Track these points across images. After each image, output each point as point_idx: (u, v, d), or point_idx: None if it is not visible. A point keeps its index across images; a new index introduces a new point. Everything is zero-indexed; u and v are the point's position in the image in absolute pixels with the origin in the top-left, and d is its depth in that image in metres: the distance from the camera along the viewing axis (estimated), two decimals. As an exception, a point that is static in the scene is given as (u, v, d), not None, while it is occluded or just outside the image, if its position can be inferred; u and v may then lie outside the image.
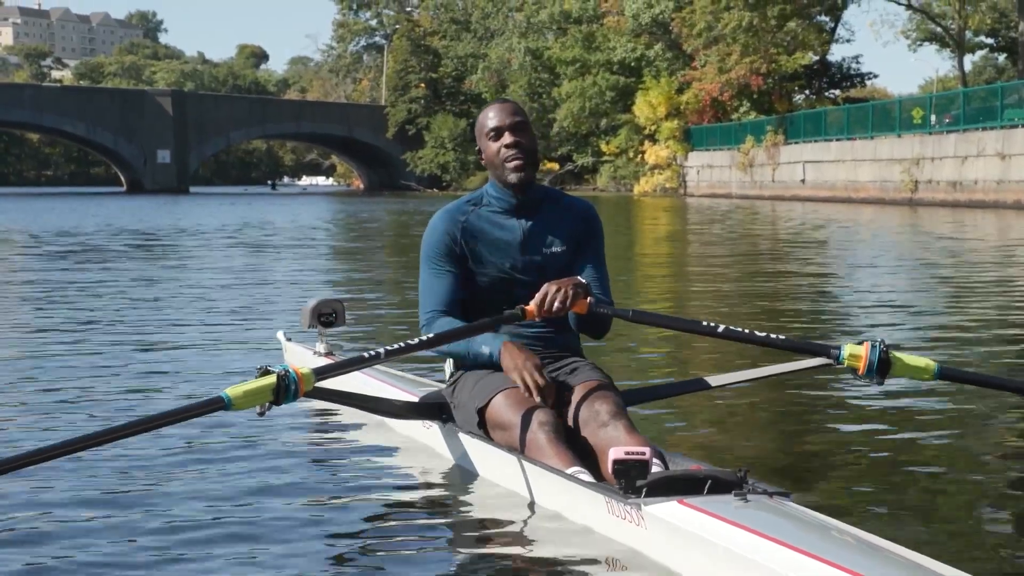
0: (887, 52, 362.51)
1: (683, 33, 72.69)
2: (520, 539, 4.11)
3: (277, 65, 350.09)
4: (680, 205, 52.90)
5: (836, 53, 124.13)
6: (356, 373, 5.55)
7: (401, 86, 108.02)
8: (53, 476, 4.82)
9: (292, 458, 5.25)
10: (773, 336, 4.50)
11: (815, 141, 57.13)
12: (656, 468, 4.00)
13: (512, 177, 4.77)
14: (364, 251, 22.71)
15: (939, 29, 68.92)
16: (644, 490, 3.74)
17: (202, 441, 5.50)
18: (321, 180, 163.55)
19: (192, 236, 26.42)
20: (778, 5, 64.21)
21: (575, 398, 4.58)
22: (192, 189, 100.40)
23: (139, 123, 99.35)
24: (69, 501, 4.55)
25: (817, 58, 72.56)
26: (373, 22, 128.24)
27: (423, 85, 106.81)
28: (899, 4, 67.44)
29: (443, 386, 5.17)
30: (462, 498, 4.60)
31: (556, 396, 4.63)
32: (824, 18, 72.71)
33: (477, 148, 4.92)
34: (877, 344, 4.35)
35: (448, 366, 4.99)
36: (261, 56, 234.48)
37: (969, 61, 74.84)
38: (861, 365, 4.34)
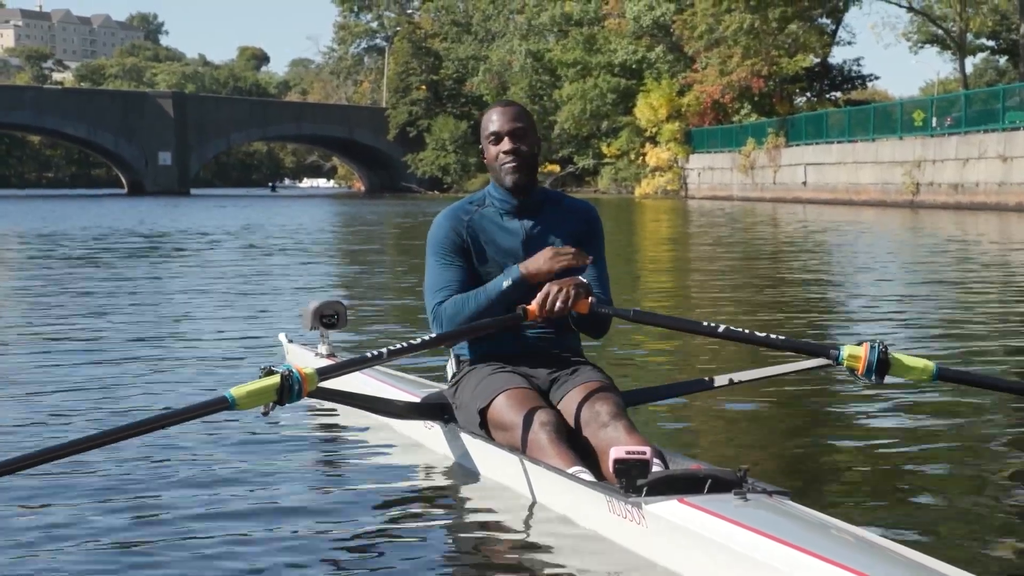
0: (888, 54, 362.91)
1: (684, 35, 72.66)
2: (522, 538, 4.14)
3: (278, 67, 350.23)
4: (681, 207, 52.90)
5: (837, 55, 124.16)
6: (358, 374, 5.60)
7: (402, 88, 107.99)
8: (57, 477, 4.85)
9: (294, 458, 5.28)
10: (773, 336, 4.53)
11: (816, 143, 57.07)
12: (656, 468, 4.03)
13: (507, 181, 4.82)
14: (365, 253, 22.72)
15: (940, 31, 68.87)
16: (645, 489, 3.76)
17: (205, 441, 5.53)
18: (322, 182, 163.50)
19: (194, 238, 26.43)
20: (779, 7, 64.15)
21: (576, 399, 4.61)
22: (193, 191, 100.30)
23: (140, 125, 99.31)
24: (73, 501, 4.58)
25: (818, 60, 72.55)
26: (374, 24, 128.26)
27: (424, 87, 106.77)
28: (900, 6, 67.44)
29: (445, 387, 5.20)
30: (464, 498, 4.63)
31: (557, 395, 4.67)
32: (825, 20, 72.67)
33: (481, 147, 4.96)
34: (876, 345, 4.38)
35: (450, 367, 5.01)
36: (262, 58, 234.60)
37: (970, 63, 74.96)
38: (860, 366, 4.37)
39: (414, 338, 4.64)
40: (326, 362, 6.00)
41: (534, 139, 4.89)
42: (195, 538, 4.12)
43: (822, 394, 6.85)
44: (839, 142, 54.51)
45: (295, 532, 4.21)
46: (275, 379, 4.19)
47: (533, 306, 4.57)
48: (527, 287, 4.64)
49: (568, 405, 4.62)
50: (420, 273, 4.93)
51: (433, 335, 4.65)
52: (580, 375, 4.75)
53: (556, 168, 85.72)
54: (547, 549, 3.99)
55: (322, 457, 5.34)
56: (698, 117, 72.63)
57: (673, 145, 73.27)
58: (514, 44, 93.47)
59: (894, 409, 6.33)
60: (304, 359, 6.59)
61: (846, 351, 4.41)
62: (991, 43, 74.38)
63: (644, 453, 3.80)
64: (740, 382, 5.13)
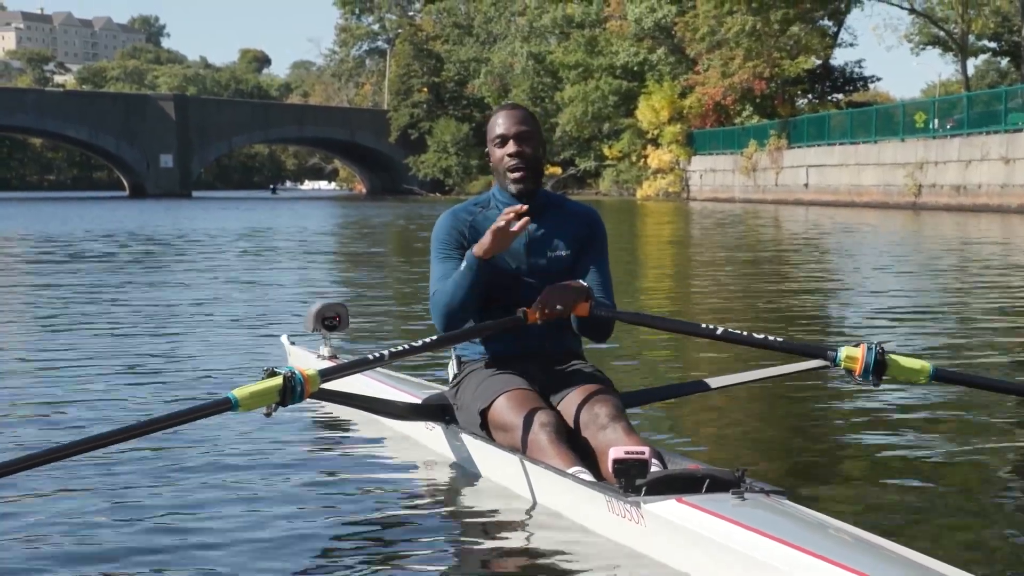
0: (890, 56, 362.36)
1: (686, 37, 72.61)
2: (522, 537, 4.17)
3: (279, 69, 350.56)
4: (683, 209, 52.88)
5: (839, 57, 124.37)
6: (360, 376, 5.62)
7: (404, 90, 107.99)
8: (60, 477, 4.88)
9: (296, 459, 5.32)
10: (771, 338, 4.57)
11: (818, 145, 57.03)
12: (655, 468, 4.06)
13: (512, 187, 4.85)
14: (367, 255, 22.74)
15: (942, 33, 68.80)
16: (644, 489, 3.80)
17: (207, 442, 5.56)
18: (323, 184, 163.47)
19: (196, 240, 26.45)
20: (781, 9, 64.07)
21: (575, 400, 4.64)
22: (195, 194, 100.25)
23: (142, 127, 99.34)
24: (76, 501, 4.62)
25: (820, 62, 72.50)
26: (376, 26, 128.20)
27: (425, 89, 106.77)
28: (902, 8, 67.36)
29: (446, 388, 5.24)
30: (465, 498, 4.67)
31: (557, 395, 4.71)
32: (827, 22, 72.58)
33: (486, 150, 5.00)
34: (873, 346, 4.42)
35: (451, 367, 5.05)
36: (263, 60, 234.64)
37: (972, 65, 74.89)
38: (857, 367, 4.41)
39: (415, 340, 4.68)
40: (328, 364, 6.02)
41: (539, 143, 4.92)
42: (196, 538, 4.15)
43: (819, 395, 6.88)
44: (841, 144, 54.47)
45: (297, 532, 4.23)
46: (277, 380, 4.23)
47: (534, 309, 4.61)
48: (486, 265, 4.67)
49: (568, 406, 4.65)
50: (421, 275, 4.97)
51: (435, 337, 4.69)
52: (580, 377, 4.79)
53: (558, 170, 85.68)
54: (547, 548, 4.02)
55: (323, 458, 5.37)
56: (700, 119, 72.57)
57: (675, 147, 73.23)
58: (516, 46, 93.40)
59: (891, 410, 6.37)
60: (306, 361, 6.61)
61: (843, 353, 4.45)
62: (993, 45, 74.35)
63: (643, 453, 3.83)
64: (738, 384, 5.16)
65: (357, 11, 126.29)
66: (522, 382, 4.71)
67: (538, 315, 4.61)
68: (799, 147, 59.21)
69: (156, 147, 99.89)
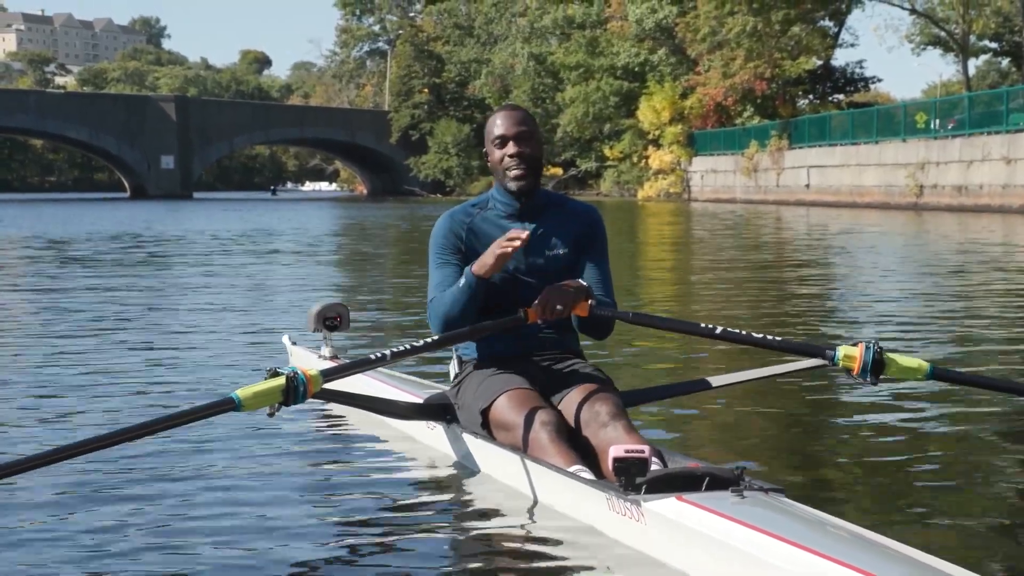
0: (891, 57, 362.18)
1: (687, 38, 72.55)
2: (523, 535, 4.20)
3: (280, 70, 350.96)
4: (684, 210, 52.87)
5: (840, 58, 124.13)
6: (362, 376, 5.65)
7: (404, 91, 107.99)
8: (64, 477, 4.91)
9: (299, 458, 5.35)
10: (770, 338, 4.60)
11: (819, 146, 56.97)
12: (655, 466, 4.09)
13: (512, 185, 4.87)
14: (368, 256, 22.77)
15: (943, 33, 68.78)
16: (644, 487, 3.82)
17: (209, 442, 5.59)
18: (324, 185, 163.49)
19: (198, 241, 26.47)
20: (782, 10, 64.03)
21: (576, 399, 4.67)
22: (195, 195, 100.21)
23: (143, 129, 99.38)
24: (80, 501, 4.65)
25: (821, 63, 72.46)
26: (376, 27, 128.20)
27: (426, 90, 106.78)
28: (903, 8, 67.34)
29: (447, 388, 5.26)
30: (466, 496, 4.69)
31: (557, 394, 4.73)
32: (828, 23, 72.55)
33: (484, 151, 5.02)
34: (871, 345, 4.44)
35: (452, 367, 5.08)
36: (264, 61, 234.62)
37: (972, 65, 74.84)
38: (855, 366, 4.43)
39: (416, 340, 4.71)
40: (329, 364, 6.04)
41: (538, 143, 4.94)
42: (199, 536, 4.18)
43: (818, 394, 6.92)
44: (842, 144, 54.42)
45: (299, 531, 4.26)
46: (280, 380, 4.26)
47: (534, 309, 4.64)
48: (484, 283, 4.70)
49: (568, 405, 4.68)
50: (422, 275, 5.00)
51: (436, 337, 4.72)
52: (580, 376, 4.81)
53: (559, 171, 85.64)
54: (548, 546, 4.05)
55: (326, 457, 5.40)
56: (701, 120, 72.51)
57: (676, 148, 73.16)
58: (516, 47, 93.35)
59: (889, 409, 6.40)
60: (307, 361, 6.64)
61: (841, 352, 4.47)
62: (994, 45, 74.34)
63: (643, 452, 3.86)
64: (737, 383, 5.19)
65: (358, 12, 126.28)
66: (523, 381, 4.73)
67: (539, 315, 4.63)
68: (800, 148, 59.16)
69: (157, 148, 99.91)
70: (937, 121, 46.74)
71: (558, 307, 4.60)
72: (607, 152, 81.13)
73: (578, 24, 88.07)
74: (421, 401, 5.33)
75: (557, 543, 4.06)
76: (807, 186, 57.25)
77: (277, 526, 4.31)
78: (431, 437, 5.31)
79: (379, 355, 4.60)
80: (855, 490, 4.78)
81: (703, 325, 4.72)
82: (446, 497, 4.72)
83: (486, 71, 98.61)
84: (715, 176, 70.05)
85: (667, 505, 3.75)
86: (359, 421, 6.04)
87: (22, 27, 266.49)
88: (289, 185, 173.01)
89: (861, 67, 77.06)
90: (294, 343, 7.28)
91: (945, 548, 3.79)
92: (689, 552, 3.65)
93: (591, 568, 3.83)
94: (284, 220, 41.91)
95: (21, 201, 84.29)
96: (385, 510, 4.56)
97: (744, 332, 4.62)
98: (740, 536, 3.49)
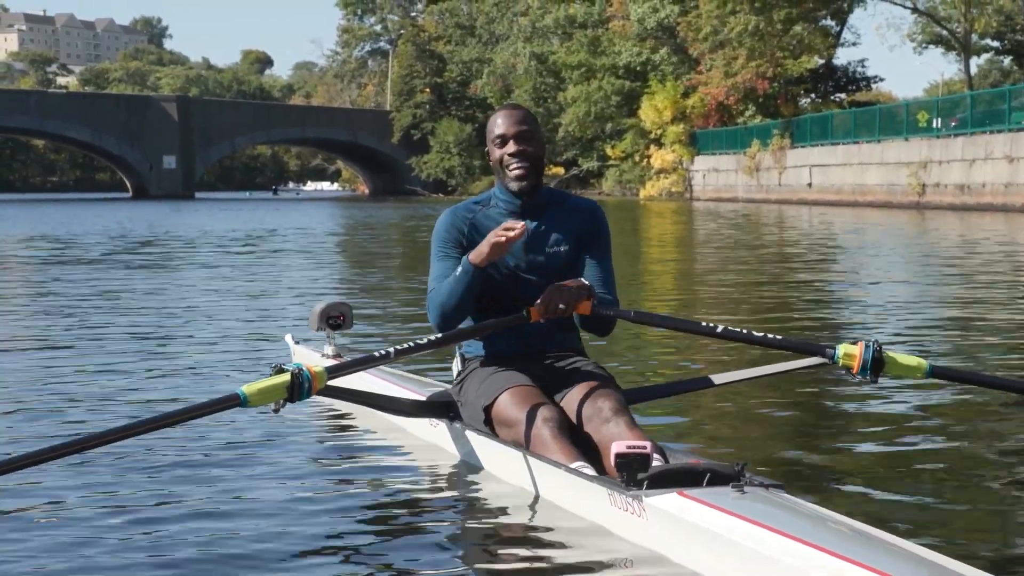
0: (892, 55, 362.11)
1: (689, 37, 72.53)
2: (526, 531, 4.23)
3: (282, 70, 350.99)
4: (686, 209, 52.86)
5: (842, 57, 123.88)
6: (365, 374, 5.69)
7: (406, 91, 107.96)
8: (71, 472, 4.95)
9: (302, 455, 5.38)
10: (770, 336, 4.63)
11: (822, 145, 56.90)
12: (657, 462, 4.11)
13: (513, 185, 4.90)
14: (370, 255, 22.79)
15: (945, 32, 68.73)
16: (645, 483, 3.86)
17: (213, 438, 5.64)
18: (326, 185, 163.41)
19: (200, 241, 26.49)
20: (784, 9, 64.00)
21: (578, 396, 4.70)
22: (197, 195, 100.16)
23: (144, 129, 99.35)
24: (85, 496, 4.68)
25: (823, 62, 72.43)
26: (378, 27, 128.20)
27: (428, 90, 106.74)
28: (905, 7, 67.29)
29: (450, 386, 5.30)
30: (469, 493, 4.73)
31: (559, 391, 4.77)
32: (830, 22, 72.52)
33: (486, 150, 5.04)
34: (871, 344, 4.48)
35: (455, 365, 5.11)
36: (266, 61, 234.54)
37: (974, 64, 74.76)
38: (855, 364, 4.47)
39: (420, 338, 4.74)
40: (333, 362, 6.08)
41: (540, 141, 4.95)
42: (201, 533, 4.21)
43: (818, 392, 6.96)
44: (844, 143, 54.35)
45: (302, 526, 4.30)
46: (285, 377, 4.30)
47: (536, 307, 4.67)
48: (480, 272, 4.72)
49: (570, 402, 4.71)
50: (424, 274, 5.03)
51: (439, 335, 4.76)
52: (582, 373, 4.85)
53: (560, 170, 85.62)
54: (550, 541, 4.08)
55: (329, 454, 5.44)
56: (703, 119, 72.46)
57: (678, 147, 73.13)
58: (518, 47, 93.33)
59: (888, 406, 6.43)
60: (310, 360, 6.66)
61: (841, 350, 4.51)
62: (995, 44, 74.26)
63: (645, 448, 3.90)
64: (738, 380, 5.21)
65: (359, 12, 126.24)
66: (525, 379, 4.77)
67: (541, 313, 4.67)
68: (802, 147, 59.12)
69: (159, 148, 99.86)
70: (939, 120, 46.70)
71: (560, 306, 4.64)
72: (609, 151, 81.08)
73: (580, 23, 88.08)
74: (424, 398, 5.37)
75: (559, 538, 4.09)
76: (809, 185, 57.22)
77: (280, 522, 4.34)
78: (434, 434, 5.34)
79: (383, 353, 4.63)
80: (855, 486, 4.81)
81: (704, 324, 4.76)
82: (449, 494, 4.75)
83: (488, 71, 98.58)
84: (717, 175, 70.01)
85: (668, 500, 3.79)
86: (362, 418, 6.08)
87: (24, 27, 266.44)
88: (291, 185, 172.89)
89: (863, 66, 76.94)
90: (297, 342, 7.30)
91: (944, 544, 3.83)
92: (690, 547, 3.68)
93: (593, 563, 3.86)
94: (288, 220, 41.89)
95: (23, 201, 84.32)
96: (388, 506, 4.59)
97: (745, 331, 4.66)
98: (741, 531, 3.53)
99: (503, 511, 4.45)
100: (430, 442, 5.40)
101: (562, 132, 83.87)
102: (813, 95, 73.00)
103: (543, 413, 4.54)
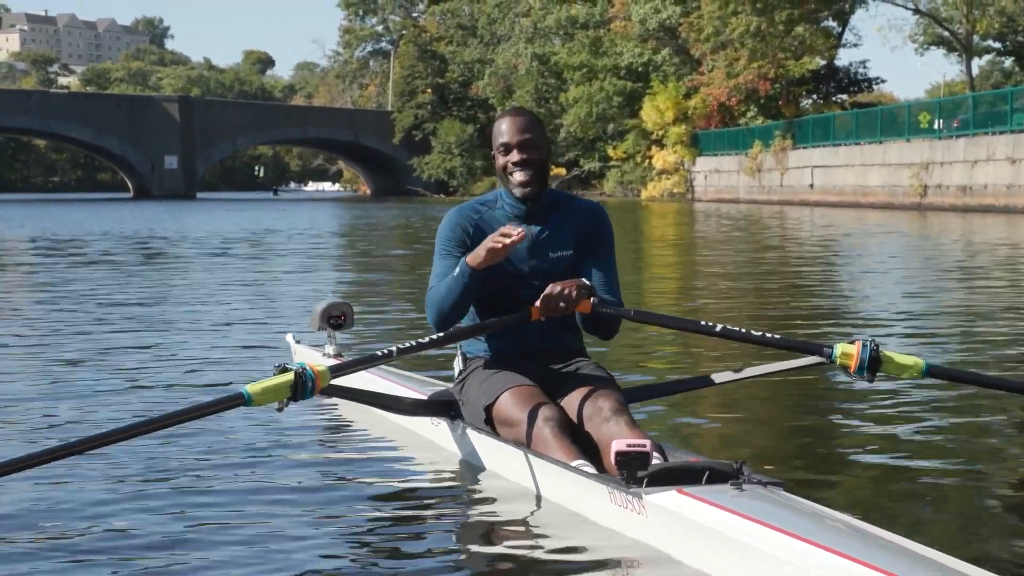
0: (894, 56, 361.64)
1: (690, 38, 72.51)
2: (527, 529, 4.27)
3: (283, 71, 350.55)
4: (687, 210, 52.85)
5: (843, 58, 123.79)
6: (367, 374, 5.72)
7: (408, 92, 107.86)
8: (74, 473, 4.98)
9: (304, 453, 5.42)
10: (768, 335, 4.66)
11: (823, 146, 56.88)
12: (656, 460, 4.14)
13: (516, 192, 4.92)
14: (372, 255, 22.81)
15: (946, 33, 68.67)
16: (645, 480, 3.90)
17: (214, 438, 5.67)
18: (327, 185, 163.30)
19: (202, 241, 26.51)
20: (786, 10, 63.98)
21: (578, 396, 4.74)
22: (199, 195, 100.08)
23: (146, 129, 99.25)
24: (90, 495, 4.71)
25: (824, 63, 72.37)
26: (379, 28, 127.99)
27: (430, 91, 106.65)
28: (906, 8, 67.27)
29: (451, 385, 5.33)
30: (470, 491, 4.76)
31: (560, 391, 4.80)
32: (832, 23, 72.49)
33: (492, 153, 5.06)
34: (868, 343, 4.51)
35: (457, 363, 5.15)
36: (267, 62, 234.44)
37: (976, 65, 74.63)
38: (852, 363, 4.50)
39: (422, 337, 4.77)
40: (335, 362, 6.11)
41: (544, 147, 4.96)
42: (203, 532, 4.24)
43: (816, 391, 7.00)
44: (846, 144, 54.35)
45: (305, 525, 4.33)
46: (289, 376, 4.33)
47: (536, 305, 4.70)
48: (477, 274, 4.74)
49: (571, 402, 4.74)
50: (424, 275, 5.06)
51: (441, 334, 4.78)
52: (582, 373, 4.88)
53: (562, 171, 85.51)
54: (551, 539, 4.12)
55: (331, 453, 5.48)
56: (704, 120, 72.42)
57: (679, 148, 73.10)
58: (520, 47, 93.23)
59: (886, 405, 6.47)
60: (311, 360, 6.68)
61: (839, 349, 4.54)
62: (997, 45, 74.21)
63: (644, 446, 3.93)
64: (736, 380, 5.24)
65: (361, 12, 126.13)
66: (526, 379, 4.80)
67: (541, 311, 4.69)
68: (804, 148, 59.10)
69: (160, 148, 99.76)
70: (941, 121, 46.68)
71: (560, 304, 4.66)
72: (610, 152, 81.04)
73: (581, 24, 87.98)
74: (425, 397, 5.40)
75: (560, 536, 4.13)
76: (811, 186, 57.19)
77: (282, 521, 4.37)
78: (435, 433, 5.38)
79: (386, 352, 4.66)
80: (852, 484, 4.86)
81: (703, 323, 4.78)
82: (450, 492, 4.79)
83: (489, 71, 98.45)
84: (719, 176, 69.97)
85: (668, 498, 3.82)
86: (364, 417, 6.11)
87: (25, 27, 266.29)
88: (292, 185, 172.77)
89: (865, 67, 76.90)
90: (298, 342, 7.32)
91: (939, 540, 3.85)
92: (689, 543, 3.72)
93: (593, 559, 3.90)
94: (290, 220, 41.90)
95: (24, 201, 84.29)
96: (389, 505, 4.62)
97: (743, 330, 4.69)
98: (739, 528, 3.57)
99: (504, 509, 4.48)
100: (431, 441, 5.44)
101: (563, 133, 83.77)
102: (815, 96, 72.94)
103: (544, 412, 4.58)
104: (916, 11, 67.82)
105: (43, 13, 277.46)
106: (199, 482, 4.89)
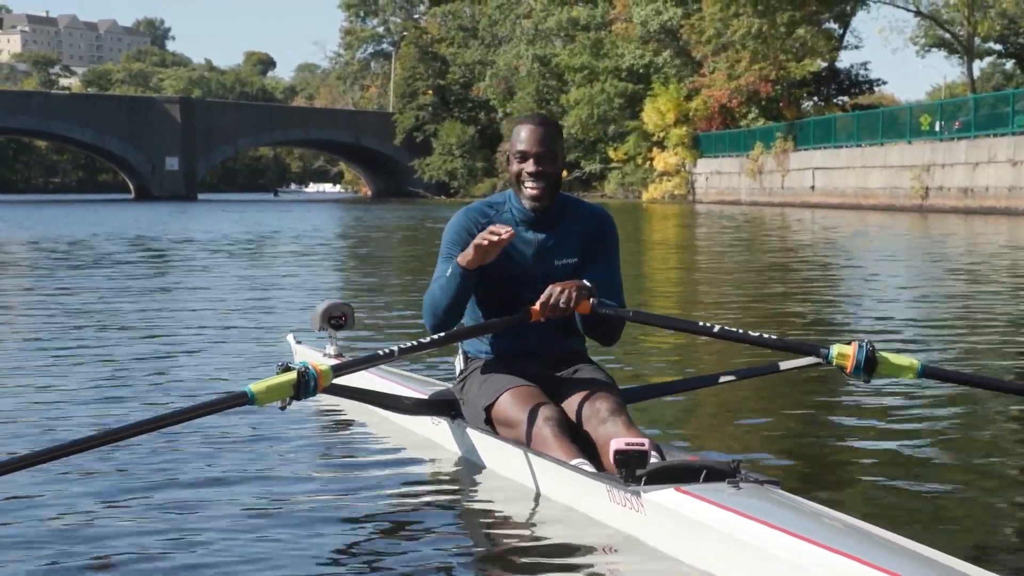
0: (895, 58, 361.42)
1: (692, 40, 72.48)
2: (527, 527, 4.31)
3: (284, 72, 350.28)
4: (688, 212, 52.84)
5: (845, 60, 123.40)
6: (368, 373, 5.76)
7: (409, 93, 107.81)
8: (78, 471, 5.02)
9: (305, 452, 5.46)
10: (766, 336, 4.69)
11: (825, 148, 56.86)
12: (654, 459, 4.17)
13: (527, 203, 4.93)
14: (372, 256, 22.82)
15: (948, 35, 68.68)
16: (643, 479, 3.94)
17: (216, 436, 5.70)
18: (328, 187, 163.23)
19: (204, 242, 26.51)
20: (787, 12, 63.96)
21: (577, 397, 4.77)
22: (200, 196, 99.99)
23: (147, 130, 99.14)
24: (93, 493, 4.75)
25: (826, 65, 72.33)
26: (380, 29, 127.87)
27: (431, 92, 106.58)
28: (908, 11, 67.29)
29: (452, 385, 5.36)
30: (471, 490, 4.80)
31: (559, 394, 4.83)
32: (833, 25, 72.44)
33: (506, 155, 5.05)
34: (864, 344, 4.53)
35: (458, 362, 5.18)
36: (268, 63, 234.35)
37: (977, 67, 74.60)
38: (849, 364, 4.52)
39: (424, 337, 4.80)
40: (335, 362, 6.13)
41: (561, 159, 4.98)
42: (205, 530, 4.26)
43: (813, 391, 7.03)
44: (847, 146, 54.34)
45: (306, 523, 4.36)
46: (292, 375, 4.36)
47: (536, 306, 4.73)
48: (470, 275, 4.77)
49: (570, 402, 4.78)
50: (425, 275, 5.10)
51: (442, 334, 4.81)
52: (582, 374, 4.92)
53: (563, 173, 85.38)
54: (551, 537, 4.15)
55: (331, 451, 5.52)
56: (706, 122, 72.36)
57: (681, 150, 73.05)
58: (521, 49, 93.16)
59: (882, 405, 6.51)
60: (312, 360, 6.70)
61: (835, 350, 4.56)
62: (998, 47, 74.21)
63: (643, 445, 3.97)
64: (733, 380, 5.26)
65: (362, 14, 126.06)
66: (525, 379, 4.83)
67: (541, 312, 4.73)
68: (805, 150, 59.08)
69: (161, 150, 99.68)
70: (942, 123, 46.66)
71: (560, 304, 4.69)
72: (611, 154, 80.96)
73: (582, 26, 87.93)
74: (426, 397, 5.43)
75: (559, 533, 4.16)
76: (812, 188, 57.17)
77: (283, 520, 4.40)
78: (436, 432, 5.42)
79: (387, 351, 4.69)
80: (848, 483, 4.90)
81: (701, 324, 4.81)
82: (451, 490, 4.82)
83: (490, 73, 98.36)
84: (720, 178, 69.93)
85: (666, 496, 3.86)
86: (365, 416, 6.14)
87: (26, 28, 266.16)
88: (293, 186, 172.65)
89: (866, 69, 76.90)
90: (299, 342, 7.35)
91: (937, 539, 3.87)
92: (687, 541, 3.76)
93: (592, 557, 3.93)
94: (291, 221, 41.89)
95: (25, 202, 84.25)
96: (390, 503, 4.65)
97: (741, 331, 4.71)
98: (736, 525, 3.60)
99: (504, 507, 4.52)
100: (432, 440, 5.47)
101: (564, 134, 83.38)
102: (816, 98, 72.91)
103: (543, 412, 4.61)
104: (917, 13, 67.83)
105: (44, 14, 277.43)
106: (201, 480, 4.92)
